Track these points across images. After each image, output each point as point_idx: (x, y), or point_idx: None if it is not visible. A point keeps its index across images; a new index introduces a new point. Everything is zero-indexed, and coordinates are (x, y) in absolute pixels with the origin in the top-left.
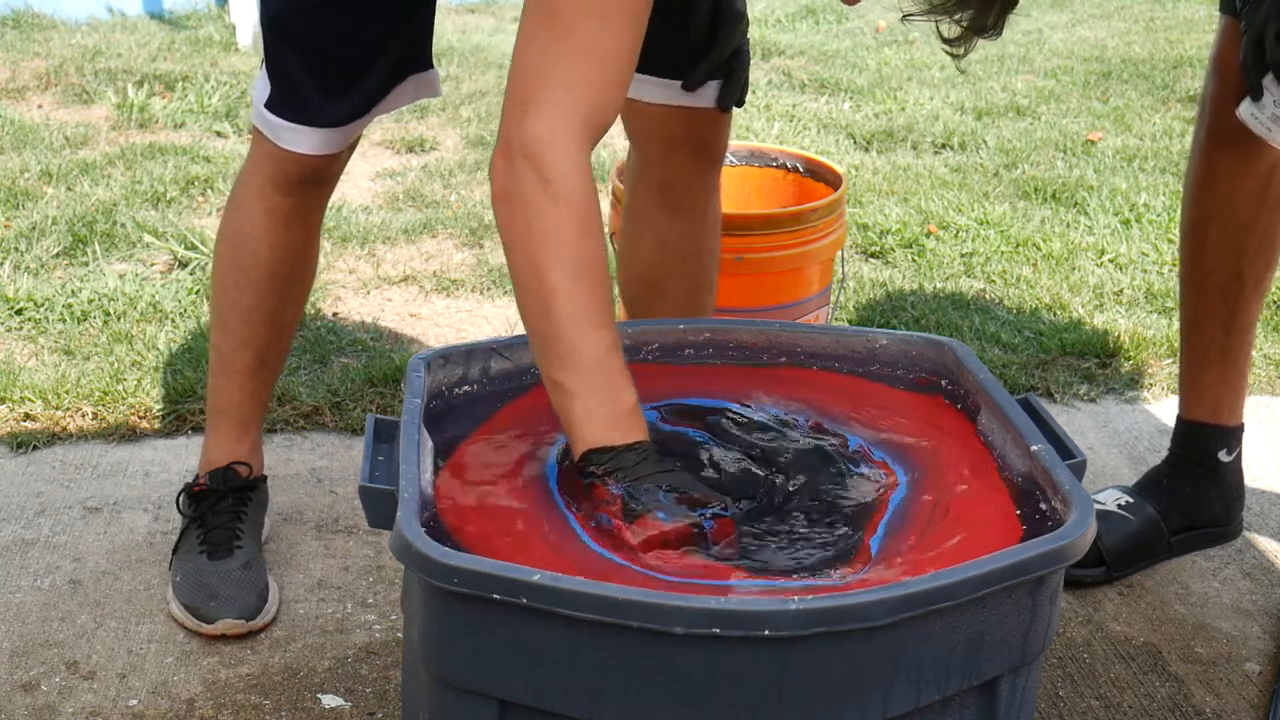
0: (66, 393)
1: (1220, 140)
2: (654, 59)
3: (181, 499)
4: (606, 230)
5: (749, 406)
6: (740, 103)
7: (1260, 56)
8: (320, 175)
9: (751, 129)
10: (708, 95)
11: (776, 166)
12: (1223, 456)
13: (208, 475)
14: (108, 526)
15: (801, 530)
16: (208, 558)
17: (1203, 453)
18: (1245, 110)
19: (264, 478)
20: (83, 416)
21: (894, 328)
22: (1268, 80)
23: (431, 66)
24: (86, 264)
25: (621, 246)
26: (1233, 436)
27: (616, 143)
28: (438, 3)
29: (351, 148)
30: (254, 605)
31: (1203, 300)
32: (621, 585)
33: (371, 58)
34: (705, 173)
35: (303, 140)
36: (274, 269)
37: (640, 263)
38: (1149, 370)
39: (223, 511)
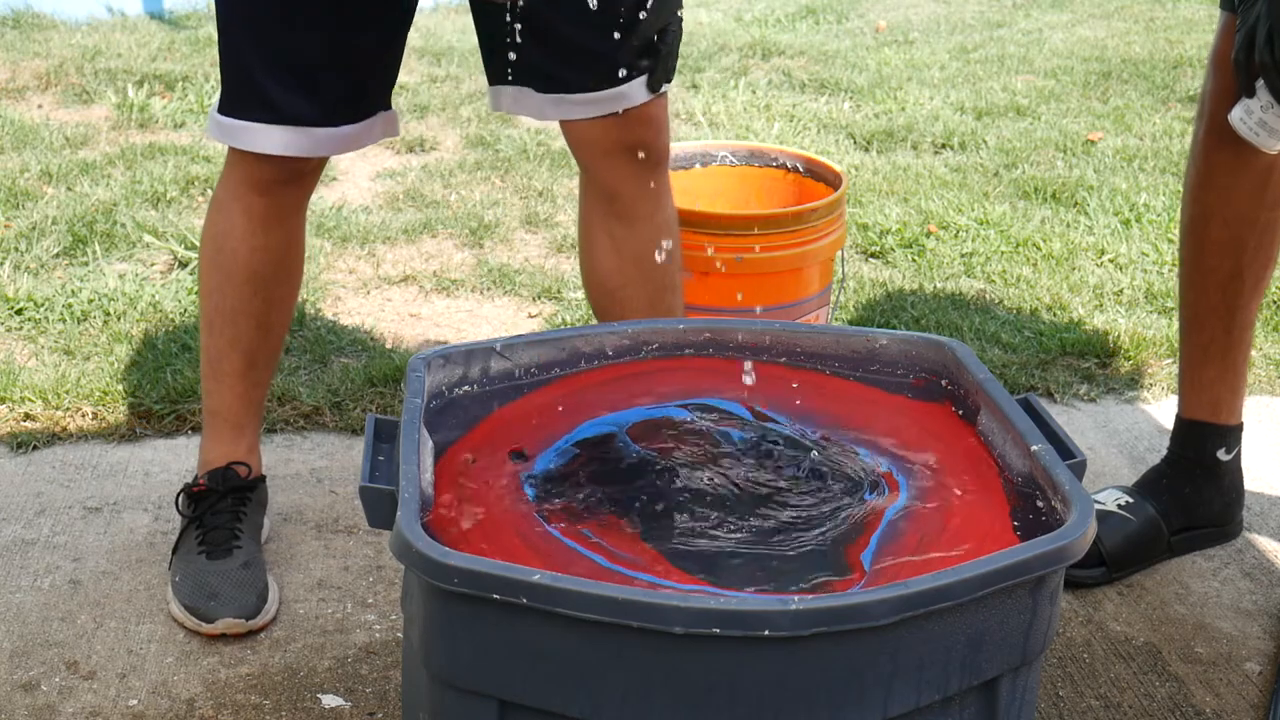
0: (66, 393)
1: (1220, 137)
2: (573, 77)
3: (180, 499)
4: None
5: (749, 409)
6: (668, 78)
7: (1251, 56)
8: (293, 173)
9: (751, 129)
10: (635, 93)
11: (776, 166)
12: (1221, 456)
13: (206, 475)
14: (108, 526)
15: (798, 542)
16: (207, 558)
17: (1202, 452)
18: (1235, 115)
19: (263, 478)
20: (83, 416)
21: (894, 328)
22: (1259, 82)
23: (391, 107)
24: (86, 264)
25: (580, 258)
26: (1232, 436)
27: None
28: (437, 5)
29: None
30: (254, 605)
31: (1203, 298)
32: (621, 585)
33: (331, 61)
34: (649, 176)
35: (260, 139)
36: (255, 270)
37: (600, 273)
38: (1149, 370)
39: (222, 512)
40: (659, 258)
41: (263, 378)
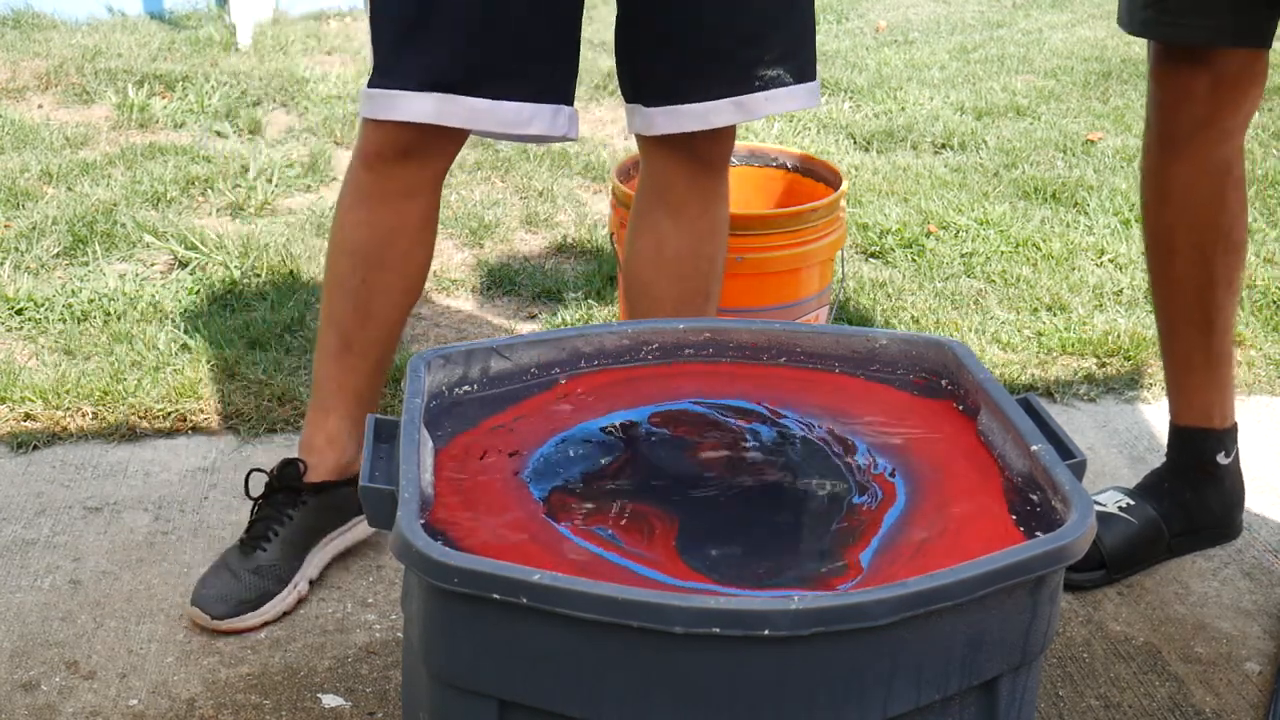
0: (66, 393)
1: (1170, 148)
2: (688, 84)
3: (249, 480)
4: (607, 229)
5: (755, 404)
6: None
7: None
8: (406, 148)
9: (751, 129)
10: (752, 106)
11: (775, 166)
12: (1221, 460)
13: (278, 465)
14: (108, 526)
15: (799, 542)
16: (238, 548)
17: (1201, 458)
18: None
19: (337, 484)
20: (83, 416)
21: (894, 328)
22: None
23: (570, 103)
24: (86, 264)
25: (624, 247)
26: (1228, 438)
27: (616, 142)
28: None
29: (457, 142)
30: (223, 611)
31: (1177, 309)
32: (621, 585)
33: (483, 24)
34: (707, 178)
35: (400, 107)
36: (355, 246)
37: (638, 263)
38: (1149, 370)
39: (270, 507)
40: (698, 262)
41: (359, 365)
